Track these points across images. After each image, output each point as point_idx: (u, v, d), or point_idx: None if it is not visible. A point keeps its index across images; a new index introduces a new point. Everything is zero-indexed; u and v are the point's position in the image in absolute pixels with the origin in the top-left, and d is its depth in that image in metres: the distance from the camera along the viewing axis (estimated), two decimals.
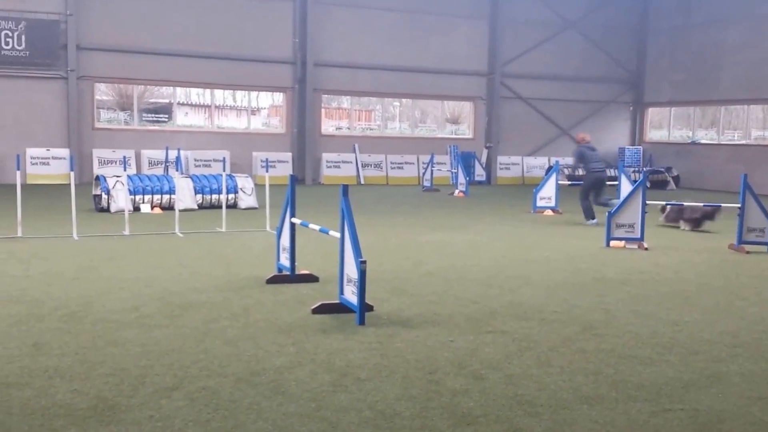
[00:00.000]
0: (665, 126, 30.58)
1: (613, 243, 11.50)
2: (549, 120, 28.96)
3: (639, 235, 11.49)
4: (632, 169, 26.06)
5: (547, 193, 16.87)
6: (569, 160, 28.30)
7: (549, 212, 16.56)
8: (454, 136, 28.66)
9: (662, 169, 26.84)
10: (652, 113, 30.81)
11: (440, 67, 26.88)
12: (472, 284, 8.29)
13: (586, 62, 29.08)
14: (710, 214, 14.10)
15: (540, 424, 4.29)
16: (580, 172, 17.57)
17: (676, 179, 27.09)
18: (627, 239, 11.52)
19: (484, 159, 27.75)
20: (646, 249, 11.30)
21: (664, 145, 29.69)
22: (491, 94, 27.96)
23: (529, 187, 22.77)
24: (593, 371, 5.29)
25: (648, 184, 11.89)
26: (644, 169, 25.70)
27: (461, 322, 6.57)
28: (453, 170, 23.30)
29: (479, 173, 27.05)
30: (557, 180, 16.89)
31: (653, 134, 30.92)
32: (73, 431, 4.00)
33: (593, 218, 14.54)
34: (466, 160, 24.98)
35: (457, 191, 21.44)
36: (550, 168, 23.59)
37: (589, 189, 14.81)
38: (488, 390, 4.82)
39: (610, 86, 29.84)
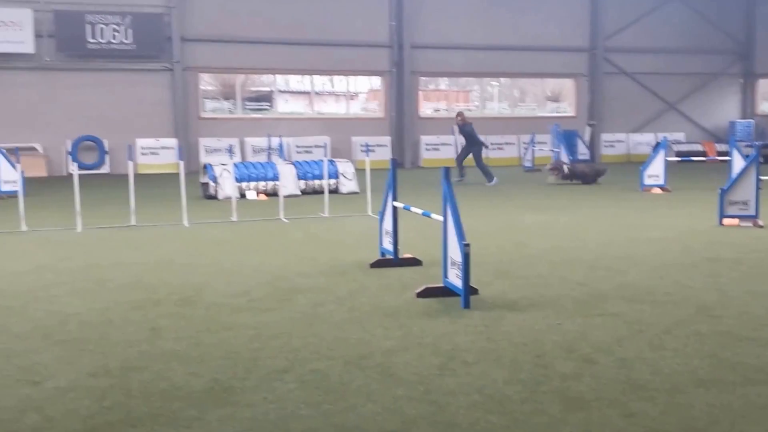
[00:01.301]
0: None
1: (726, 221, 11.03)
2: (655, 95, 28.03)
3: (754, 212, 10.99)
4: (744, 144, 24.87)
5: (655, 170, 16.31)
6: (678, 136, 27.40)
7: (657, 190, 16.03)
8: (555, 114, 28.11)
9: None
10: (763, 85, 29.32)
11: (539, 44, 26.39)
12: (578, 266, 8.12)
13: (693, 34, 27.93)
14: (602, 171, 17.91)
15: (655, 408, 4.17)
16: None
17: None
18: (741, 216, 11.03)
19: (587, 137, 27.10)
20: (761, 226, 10.79)
21: None
22: (594, 70, 27.27)
23: (635, 164, 22.06)
24: (709, 354, 5.09)
25: (761, 159, 11.35)
26: (757, 143, 24.49)
27: (568, 304, 6.45)
28: (555, 149, 22.86)
29: (582, 152, 26.43)
30: (665, 156, 16.31)
31: (766, 107, 29.45)
32: (191, 413, 4.14)
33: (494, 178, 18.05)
34: (568, 139, 24.42)
35: None
36: (657, 144, 22.79)
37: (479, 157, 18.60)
38: (600, 374, 4.71)
39: (718, 58, 28.61)
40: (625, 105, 27.54)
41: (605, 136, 27.28)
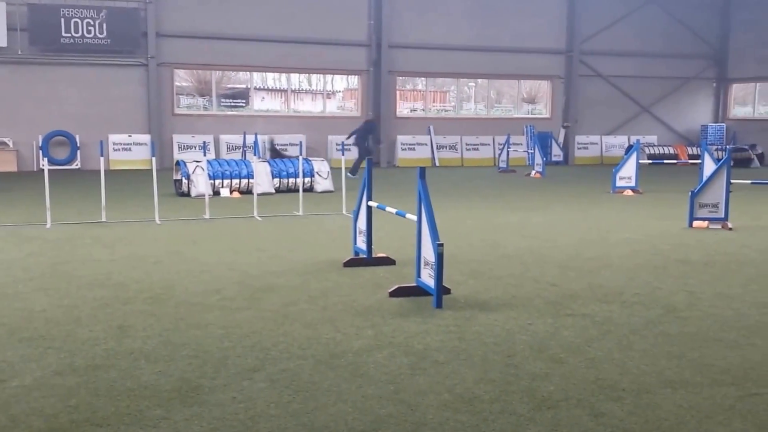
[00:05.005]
0: (750, 102, 29.45)
1: (696, 223, 11.16)
2: (629, 98, 28.24)
3: (723, 215, 11.12)
4: (715, 147, 25.19)
5: (627, 172, 16.46)
6: (651, 139, 27.65)
7: (629, 192, 16.18)
8: (530, 116, 28.24)
9: (746, 147, 25.87)
10: (736, 89, 29.70)
11: (517, 45, 26.47)
12: (550, 266, 8.17)
13: (668, 38, 28.18)
14: None
15: (622, 408, 4.20)
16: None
17: (761, 157, 26.10)
18: (710, 219, 11.16)
19: (561, 139, 27.27)
20: (731, 229, 10.92)
21: (749, 122, 28.59)
22: (569, 73, 27.41)
23: (608, 166, 22.27)
24: (677, 355, 5.14)
25: (732, 163, 11.48)
26: (728, 146, 24.80)
27: (540, 305, 6.48)
28: (529, 151, 22.98)
29: (556, 153, 26.61)
30: (638, 159, 16.45)
31: (737, 111, 29.81)
32: (158, 412, 4.10)
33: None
34: (542, 141, 24.58)
35: (533, 172, 21.14)
36: (630, 147, 22.99)
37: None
38: (569, 374, 4.74)
39: (692, 62, 28.89)
40: (600, 107, 27.73)
41: (579, 138, 27.45)
